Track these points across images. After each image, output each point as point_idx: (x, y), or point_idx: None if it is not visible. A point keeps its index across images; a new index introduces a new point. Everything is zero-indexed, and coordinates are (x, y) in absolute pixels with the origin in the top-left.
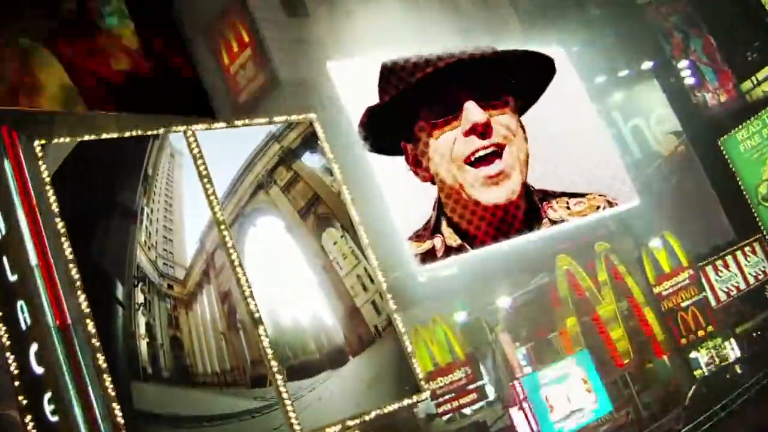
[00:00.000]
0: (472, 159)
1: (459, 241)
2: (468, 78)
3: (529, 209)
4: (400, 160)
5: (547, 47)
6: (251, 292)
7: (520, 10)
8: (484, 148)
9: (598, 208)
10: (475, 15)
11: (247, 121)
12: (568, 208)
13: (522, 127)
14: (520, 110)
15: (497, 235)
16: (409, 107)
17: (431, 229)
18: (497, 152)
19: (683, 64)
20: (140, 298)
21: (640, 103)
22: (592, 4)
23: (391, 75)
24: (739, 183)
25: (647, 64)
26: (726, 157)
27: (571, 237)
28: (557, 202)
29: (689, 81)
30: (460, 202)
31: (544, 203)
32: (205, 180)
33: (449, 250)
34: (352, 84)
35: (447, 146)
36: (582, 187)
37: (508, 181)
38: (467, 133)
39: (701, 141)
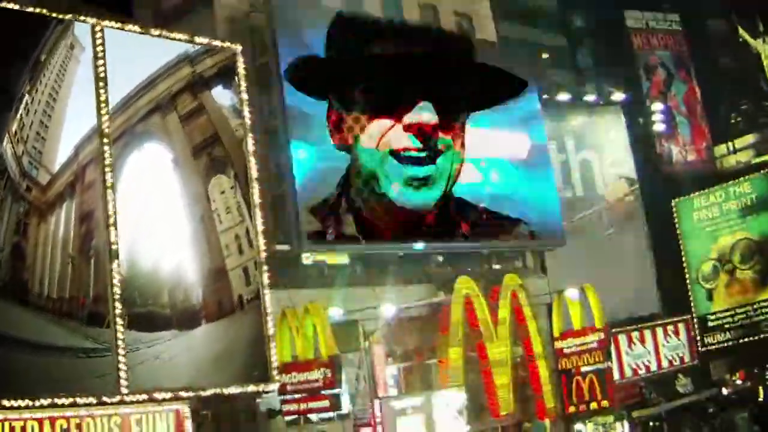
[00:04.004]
0: (401, 154)
1: (354, 231)
2: (431, 78)
3: (442, 216)
4: (318, 118)
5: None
6: (116, 220)
7: None
8: (418, 150)
9: (519, 236)
10: None
11: (164, 33)
12: (488, 227)
13: (463, 134)
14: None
15: (401, 235)
16: (355, 76)
17: (329, 207)
18: (431, 158)
19: (658, 107)
20: None
21: (598, 136)
22: (577, 14)
23: (345, 30)
24: (682, 253)
25: (618, 96)
26: (676, 221)
27: (481, 260)
28: (475, 216)
29: (659, 127)
30: (371, 191)
31: (462, 215)
32: (101, 84)
33: (342, 237)
34: (292, 24)
35: (379, 131)
36: (508, 209)
37: (429, 190)
38: (408, 129)
39: (654, 196)
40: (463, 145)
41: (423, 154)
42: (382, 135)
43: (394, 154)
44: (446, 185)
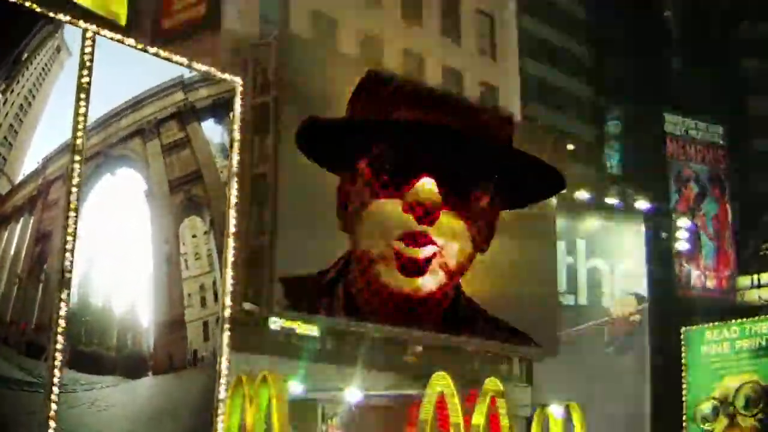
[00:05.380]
0: (403, 236)
1: (344, 318)
2: (446, 153)
3: (453, 315)
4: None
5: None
6: (74, 246)
7: (530, 75)
8: (417, 233)
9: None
10: (478, 59)
11: (160, 52)
12: (491, 335)
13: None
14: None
15: (398, 321)
16: (364, 142)
17: (323, 288)
18: (426, 240)
19: (684, 223)
20: None
21: (613, 244)
22: (614, 106)
23: (373, 90)
24: (683, 387)
25: (642, 204)
26: (682, 352)
27: (463, 358)
28: (481, 325)
29: (682, 246)
30: (368, 281)
31: (468, 321)
32: (82, 95)
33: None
34: (304, 67)
35: (384, 216)
36: (509, 314)
37: (425, 278)
38: (407, 209)
39: (662, 320)
40: (483, 237)
41: (420, 240)
42: (381, 219)
43: (395, 239)
44: (448, 276)
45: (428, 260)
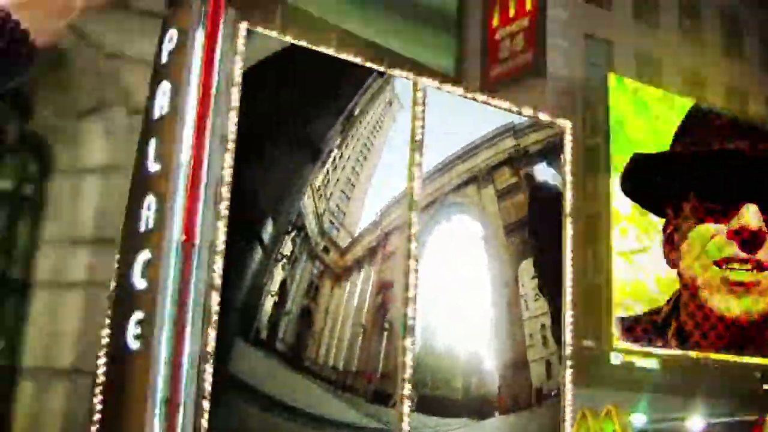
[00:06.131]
0: (723, 267)
1: (679, 350)
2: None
3: None
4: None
5: None
6: (415, 295)
7: None
8: (741, 261)
9: None
10: None
11: (490, 100)
12: None
13: None
14: None
15: (720, 346)
16: (689, 174)
17: (657, 323)
18: (755, 268)
19: None
20: (287, 248)
21: None
22: None
23: (695, 123)
24: None
25: None
26: None
27: None
28: None
29: None
30: (693, 306)
31: None
32: (416, 146)
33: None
34: (627, 111)
35: (702, 238)
36: None
37: (753, 299)
38: (731, 235)
39: None
40: None
41: (746, 267)
42: (704, 244)
43: (717, 265)
44: None
45: (756, 283)
